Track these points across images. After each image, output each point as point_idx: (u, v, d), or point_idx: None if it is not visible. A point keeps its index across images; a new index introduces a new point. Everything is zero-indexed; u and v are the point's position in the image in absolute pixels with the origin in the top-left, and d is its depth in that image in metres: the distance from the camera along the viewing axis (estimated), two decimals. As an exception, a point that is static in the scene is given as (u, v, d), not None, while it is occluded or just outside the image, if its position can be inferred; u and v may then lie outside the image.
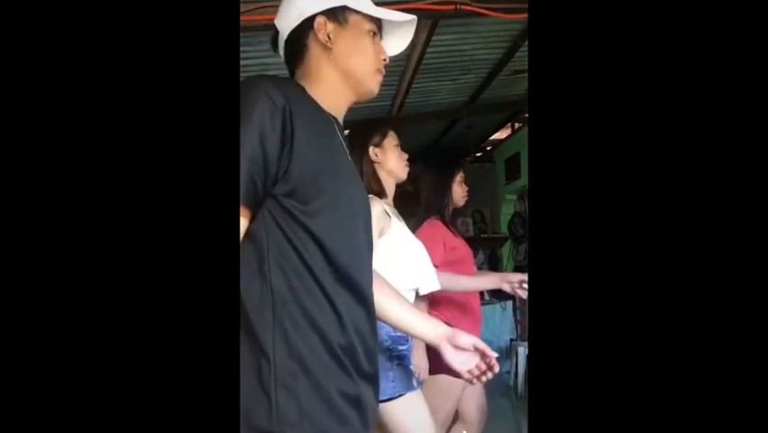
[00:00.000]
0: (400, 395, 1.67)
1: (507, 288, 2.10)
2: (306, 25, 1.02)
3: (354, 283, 0.95)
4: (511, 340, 5.13)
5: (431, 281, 1.86)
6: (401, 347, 1.72)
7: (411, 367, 1.78)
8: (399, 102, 3.87)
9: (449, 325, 1.23)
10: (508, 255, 5.82)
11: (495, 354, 1.16)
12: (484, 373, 1.17)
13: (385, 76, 1.09)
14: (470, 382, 1.20)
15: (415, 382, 1.75)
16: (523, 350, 4.50)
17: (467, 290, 2.25)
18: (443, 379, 2.07)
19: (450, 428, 2.29)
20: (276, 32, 1.07)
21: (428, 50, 3.04)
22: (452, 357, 1.17)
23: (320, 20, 1.01)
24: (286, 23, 1.04)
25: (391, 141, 1.88)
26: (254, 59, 2.61)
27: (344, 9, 1.02)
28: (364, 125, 1.92)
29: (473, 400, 2.36)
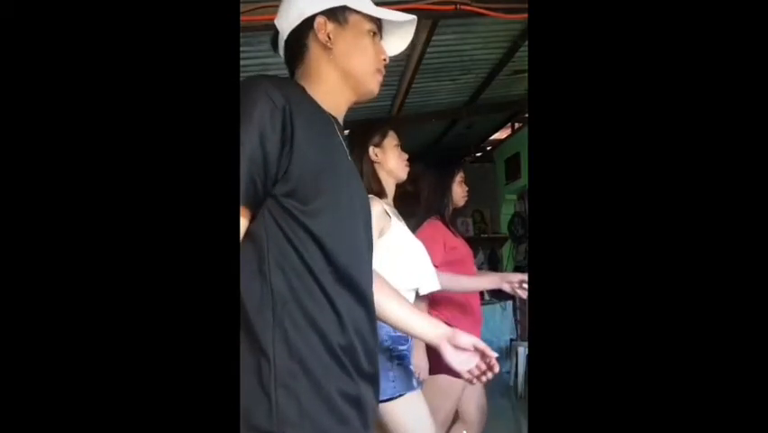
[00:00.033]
0: (400, 395, 1.67)
1: (507, 288, 2.10)
2: (306, 25, 1.02)
3: (354, 283, 0.95)
4: (511, 340, 5.13)
5: (431, 281, 1.86)
6: (401, 347, 1.72)
7: (411, 367, 1.78)
8: (399, 102, 3.87)
9: (449, 325, 1.23)
10: (508, 255, 5.82)
11: (495, 354, 1.16)
12: (484, 373, 1.17)
13: (385, 76, 1.09)
14: (471, 382, 1.20)
15: (415, 382, 1.75)
16: (523, 350, 4.50)
17: (467, 290, 2.25)
18: (443, 379, 2.07)
19: (450, 428, 2.29)
20: (276, 32, 1.07)
21: (428, 50, 3.04)
22: (452, 357, 1.17)
23: (320, 20, 1.01)
24: (286, 23, 1.04)
25: (391, 141, 1.88)
26: (254, 59, 2.61)
27: (344, 9, 1.02)
28: (364, 125, 1.92)
29: (473, 400, 2.36)
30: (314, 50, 1.03)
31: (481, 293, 3.31)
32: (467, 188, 2.45)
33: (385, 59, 1.07)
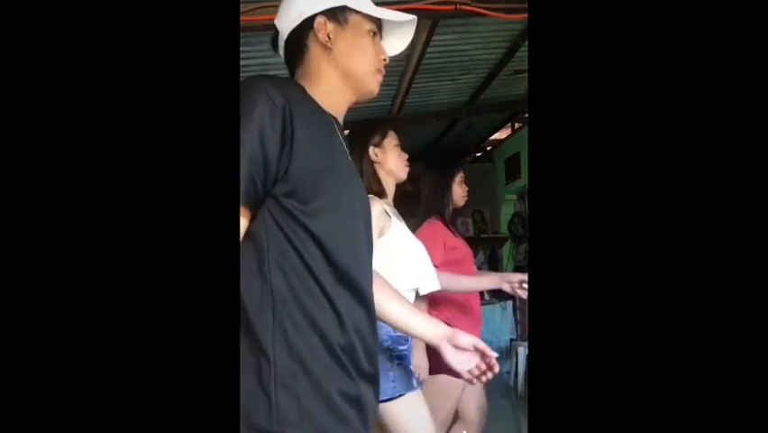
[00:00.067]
0: (400, 395, 1.67)
1: (506, 288, 2.10)
2: (306, 25, 1.02)
3: (354, 283, 0.95)
4: (511, 340, 5.13)
5: (431, 281, 1.86)
6: (401, 347, 1.72)
7: (411, 367, 1.78)
8: (399, 102, 3.87)
9: (449, 325, 1.23)
10: (508, 255, 5.82)
11: (495, 354, 1.16)
12: (484, 372, 1.17)
13: (385, 76, 1.09)
14: (471, 382, 1.20)
15: (415, 382, 1.75)
16: (523, 350, 4.50)
17: (467, 290, 2.25)
18: (442, 379, 2.07)
19: (450, 428, 2.29)
20: (276, 33, 1.07)
21: (428, 50, 3.04)
22: (452, 357, 1.17)
23: (320, 20, 1.01)
24: (286, 23, 1.04)
25: (391, 141, 1.88)
26: (254, 59, 2.61)
27: (344, 9, 1.02)
28: (364, 125, 1.92)
29: (473, 400, 2.36)
30: (314, 50, 1.03)
31: (481, 293, 3.31)
32: (467, 189, 2.45)
33: (385, 59, 1.07)
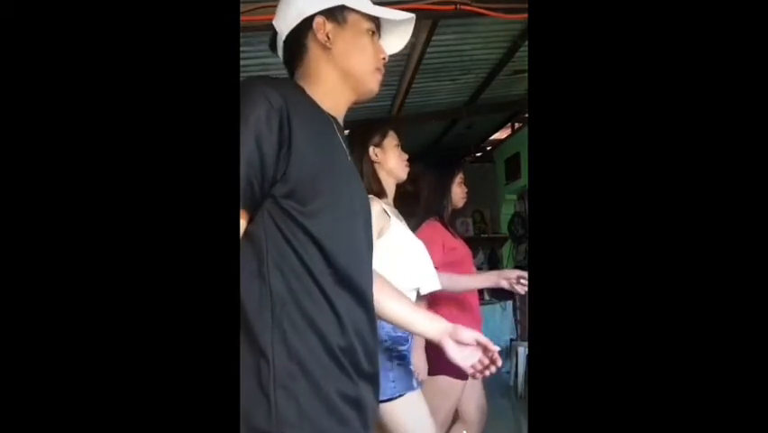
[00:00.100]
0: (400, 395, 1.67)
1: (504, 284, 2.10)
2: (305, 25, 1.02)
3: (354, 284, 0.95)
4: (511, 340, 5.14)
5: (432, 281, 1.86)
6: (401, 348, 1.72)
7: (411, 367, 1.78)
8: (399, 102, 3.87)
9: None
10: (508, 255, 5.82)
11: (497, 348, 1.16)
12: (487, 367, 1.17)
13: (385, 76, 1.09)
14: (474, 376, 1.19)
15: (415, 383, 1.75)
16: (523, 350, 4.50)
17: (465, 289, 2.25)
18: (442, 380, 2.07)
19: (450, 428, 2.29)
20: (274, 33, 1.07)
21: (428, 50, 3.04)
22: (454, 353, 1.16)
23: (319, 20, 1.01)
24: (284, 23, 1.04)
25: (391, 141, 1.88)
26: (254, 59, 2.61)
27: (343, 8, 1.02)
28: (364, 125, 1.92)
29: (473, 401, 2.36)
30: (313, 51, 1.03)
31: (481, 293, 3.31)
32: (466, 190, 2.45)
33: (384, 58, 1.07)
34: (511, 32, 3.08)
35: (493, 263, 5.92)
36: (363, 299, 0.97)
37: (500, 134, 5.64)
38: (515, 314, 5.42)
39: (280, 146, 0.88)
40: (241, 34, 1.33)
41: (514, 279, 2.08)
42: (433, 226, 2.31)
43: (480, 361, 1.17)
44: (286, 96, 0.90)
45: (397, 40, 1.13)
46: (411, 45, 2.98)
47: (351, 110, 1.08)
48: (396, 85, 3.63)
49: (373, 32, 1.06)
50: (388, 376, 1.64)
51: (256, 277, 0.89)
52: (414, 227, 2.18)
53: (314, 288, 0.90)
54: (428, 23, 2.72)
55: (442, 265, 2.13)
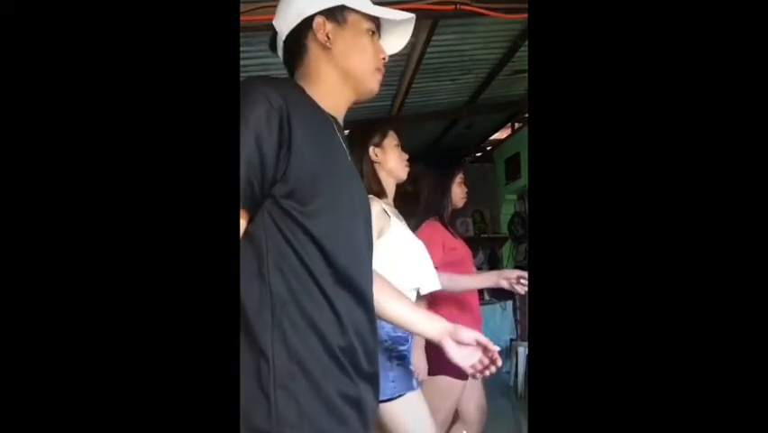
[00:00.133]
0: (400, 395, 1.67)
1: (504, 284, 2.10)
2: (305, 25, 1.02)
3: (354, 284, 0.95)
4: (511, 340, 5.14)
5: (432, 281, 1.86)
6: (401, 348, 1.72)
7: (411, 367, 1.78)
8: (399, 102, 3.87)
9: None
10: (508, 255, 5.82)
11: (497, 348, 1.16)
12: (487, 367, 1.17)
13: (385, 76, 1.09)
14: (474, 376, 1.19)
15: (415, 383, 1.75)
16: (523, 350, 4.50)
17: (465, 289, 2.25)
18: (442, 380, 2.07)
19: (450, 428, 2.29)
20: (274, 34, 1.07)
21: (428, 50, 3.04)
22: (454, 353, 1.16)
23: (319, 20, 1.01)
24: (284, 24, 1.04)
25: (391, 141, 1.88)
26: (254, 59, 2.61)
27: (343, 8, 1.02)
28: (364, 125, 1.92)
29: (473, 401, 2.36)
30: (313, 51, 1.03)
31: (481, 293, 3.31)
32: (466, 190, 2.45)
33: (384, 58, 1.07)
34: (511, 32, 3.08)
35: (493, 263, 5.91)
36: (363, 299, 0.97)
37: (500, 134, 5.64)
38: (515, 314, 5.42)
39: (280, 146, 0.88)
40: (241, 34, 1.32)
41: (514, 279, 2.08)
42: (433, 226, 2.31)
43: (480, 361, 1.16)
44: (286, 96, 0.90)
45: (397, 40, 1.13)
46: (411, 45, 2.98)
47: (351, 110, 1.08)
48: (396, 85, 3.63)
49: (373, 32, 1.06)
50: (388, 376, 1.64)
51: (256, 277, 0.89)
52: (414, 227, 2.18)
53: (314, 288, 0.90)
54: (428, 23, 2.72)
55: (442, 265, 2.13)
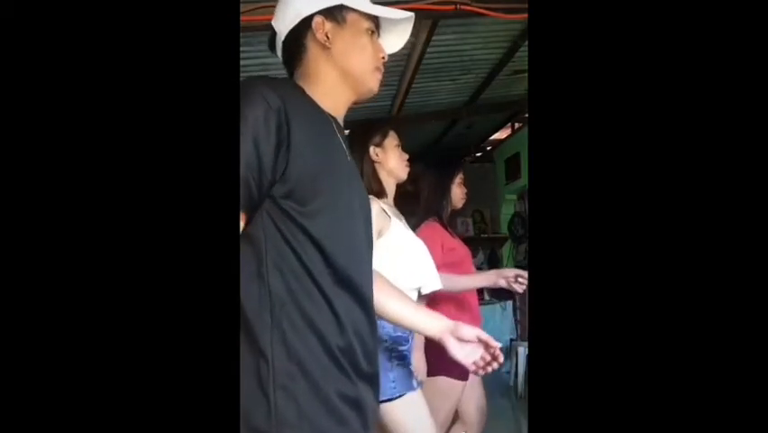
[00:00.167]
0: (400, 396, 1.67)
1: (503, 283, 2.10)
2: (304, 25, 1.02)
3: (354, 284, 0.95)
4: (511, 340, 5.13)
5: (433, 280, 1.86)
6: (401, 348, 1.71)
7: (411, 368, 1.78)
8: (399, 102, 3.87)
9: None
10: (508, 255, 5.82)
11: (498, 344, 1.16)
12: (489, 363, 1.17)
13: (385, 75, 1.09)
14: (476, 373, 1.19)
15: (415, 383, 1.75)
16: (523, 350, 4.50)
17: (464, 289, 2.25)
18: (442, 380, 2.07)
19: (450, 428, 2.29)
20: (273, 34, 1.07)
21: (428, 50, 3.04)
22: (456, 350, 1.16)
23: (318, 19, 1.01)
24: (283, 24, 1.04)
25: (392, 141, 1.88)
26: (254, 59, 2.61)
27: (342, 8, 1.02)
28: (365, 125, 1.92)
29: (473, 401, 2.36)
30: (312, 50, 1.03)
31: (481, 293, 3.30)
32: (466, 190, 2.45)
33: (384, 57, 1.07)
34: (511, 32, 3.08)
35: (493, 263, 5.91)
36: (363, 300, 0.97)
37: (500, 134, 5.64)
38: (515, 314, 5.41)
39: (279, 147, 0.87)
40: (241, 34, 1.32)
41: (512, 277, 2.09)
42: (432, 227, 2.31)
43: (481, 357, 1.16)
44: (284, 97, 0.90)
45: (396, 39, 1.12)
46: (411, 45, 2.98)
47: (351, 110, 1.08)
48: (396, 85, 3.63)
49: (372, 32, 1.05)
50: (389, 376, 1.64)
51: (255, 277, 0.88)
52: (413, 228, 2.18)
53: (313, 288, 0.90)
54: (428, 22, 2.71)
55: (441, 266, 2.13)
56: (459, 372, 2.09)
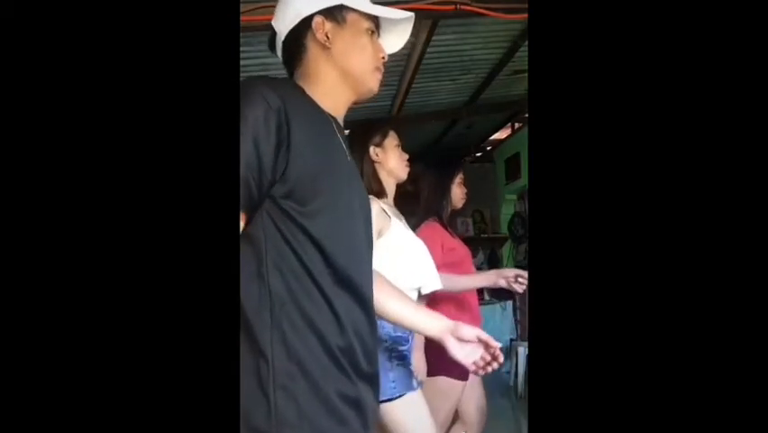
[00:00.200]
0: (400, 396, 1.67)
1: (503, 283, 2.10)
2: (304, 25, 1.02)
3: (353, 284, 0.95)
4: (511, 340, 5.13)
5: (433, 280, 1.86)
6: (402, 348, 1.71)
7: (411, 368, 1.78)
8: (399, 102, 3.87)
9: None
10: (508, 255, 5.82)
11: (498, 344, 1.16)
12: (489, 363, 1.17)
13: (385, 75, 1.09)
14: (476, 373, 1.19)
15: (415, 383, 1.75)
16: (523, 350, 4.50)
17: (464, 289, 2.25)
18: (442, 381, 2.07)
19: (449, 428, 2.29)
20: (273, 34, 1.07)
21: (428, 50, 3.04)
22: (456, 350, 1.16)
23: (318, 19, 1.01)
24: (283, 24, 1.04)
25: (392, 141, 1.88)
26: (254, 59, 2.61)
27: (342, 8, 1.02)
28: (365, 125, 1.92)
29: (473, 401, 2.36)
30: (312, 50, 1.03)
31: (481, 293, 3.30)
32: (466, 190, 2.45)
33: (384, 57, 1.07)
34: (511, 32, 3.08)
35: (493, 263, 5.91)
36: (362, 300, 0.97)
37: (500, 134, 5.64)
38: (515, 314, 5.41)
39: (278, 147, 0.87)
40: (241, 34, 1.32)
41: (512, 277, 2.09)
42: (431, 227, 2.31)
43: (482, 357, 1.16)
44: (284, 97, 0.90)
45: (396, 39, 1.12)
46: (411, 45, 2.98)
47: (351, 110, 1.08)
48: (396, 85, 3.63)
49: (372, 32, 1.05)
50: (389, 376, 1.64)
51: (255, 277, 0.88)
52: (413, 228, 2.18)
53: (313, 288, 0.90)
54: (428, 22, 2.72)
55: (441, 266, 2.13)
56: (459, 372, 2.09)
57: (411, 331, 1.71)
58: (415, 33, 1.12)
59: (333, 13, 1.02)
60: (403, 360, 1.72)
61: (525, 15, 2.47)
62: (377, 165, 1.84)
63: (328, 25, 1.02)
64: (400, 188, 1.93)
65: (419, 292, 1.82)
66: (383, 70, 1.07)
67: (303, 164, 0.90)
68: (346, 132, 1.09)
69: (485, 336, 1.15)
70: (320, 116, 1.00)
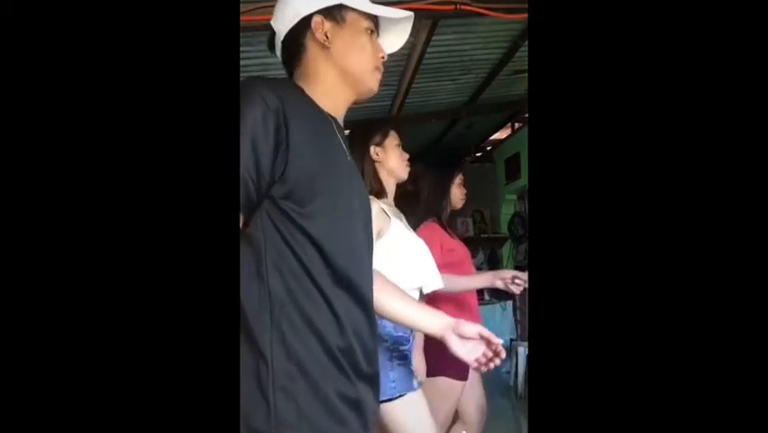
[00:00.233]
0: (401, 396, 1.67)
1: (499, 284, 2.11)
2: (303, 25, 1.02)
3: (353, 285, 0.95)
4: (511, 340, 5.13)
5: (434, 279, 1.86)
6: (402, 347, 1.71)
7: (412, 368, 1.78)
8: (399, 102, 3.87)
9: None
10: (508, 255, 5.82)
11: (500, 341, 1.16)
12: (491, 360, 1.17)
13: (385, 75, 1.09)
14: (478, 370, 1.19)
15: (415, 383, 1.75)
16: (523, 350, 4.50)
17: (463, 290, 2.25)
18: (442, 381, 2.07)
19: (450, 428, 2.29)
20: (272, 34, 1.07)
21: (428, 50, 3.04)
22: (457, 348, 1.16)
23: (317, 19, 1.01)
24: (282, 24, 1.04)
25: (392, 140, 1.88)
26: (254, 59, 2.61)
27: (341, 7, 1.02)
28: (365, 125, 1.92)
29: (473, 401, 2.36)
30: (311, 50, 1.02)
31: (481, 293, 3.30)
32: (465, 191, 2.45)
33: (383, 57, 1.07)
34: (511, 32, 3.08)
35: (493, 263, 5.92)
36: (362, 300, 0.97)
37: (500, 134, 5.65)
38: (515, 314, 5.41)
39: (277, 147, 0.87)
40: (241, 34, 1.32)
41: (509, 279, 2.09)
42: (431, 228, 2.31)
43: (483, 354, 1.16)
44: (283, 97, 0.90)
45: (395, 38, 1.12)
46: (411, 45, 2.98)
47: (351, 110, 1.08)
48: (396, 85, 3.63)
49: (372, 31, 1.05)
50: (389, 376, 1.64)
51: (255, 278, 0.88)
52: (412, 228, 2.18)
53: (312, 288, 0.90)
54: (428, 22, 2.71)
55: (440, 266, 2.12)
56: (458, 372, 2.10)
57: (412, 330, 1.71)
58: (414, 33, 1.12)
59: (332, 13, 1.02)
60: (404, 360, 1.72)
61: (525, 15, 2.47)
62: (377, 165, 1.84)
63: (327, 25, 1.01)
64: (400, 188, 1.93)
65: (420, 292, 1.82)
66: (383, 70, 1.07)
67: (302, 165, 0.89)
68: (346, 132, 1.09)
69: (486, 332, 1.15)
70: (319, 116, 0.99)
